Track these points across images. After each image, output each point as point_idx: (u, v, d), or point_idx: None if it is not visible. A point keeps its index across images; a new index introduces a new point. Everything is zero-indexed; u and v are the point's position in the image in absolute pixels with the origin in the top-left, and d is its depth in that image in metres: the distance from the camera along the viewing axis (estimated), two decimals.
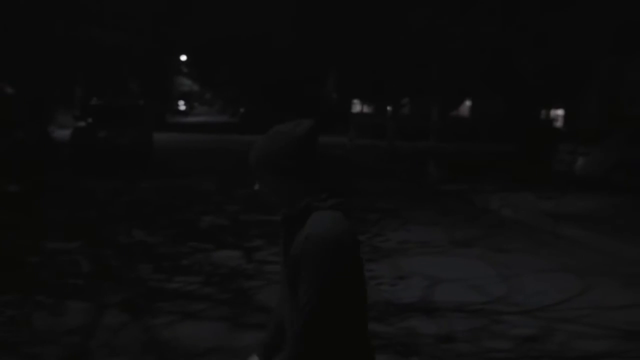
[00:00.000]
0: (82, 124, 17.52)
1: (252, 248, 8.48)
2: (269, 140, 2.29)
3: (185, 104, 70.27)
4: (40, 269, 7.31)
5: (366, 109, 38.17)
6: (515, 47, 20.89)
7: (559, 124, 28.90)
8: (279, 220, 2.34)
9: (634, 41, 20.24)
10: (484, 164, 19.58)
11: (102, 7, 15.96)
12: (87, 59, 18.89)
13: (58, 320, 5.68)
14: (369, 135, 29.01)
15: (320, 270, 2.12)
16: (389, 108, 27.04)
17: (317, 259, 2.12)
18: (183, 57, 51.08)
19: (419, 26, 19.81)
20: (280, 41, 32.94)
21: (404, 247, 8.86)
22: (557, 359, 5.08)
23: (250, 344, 5.14)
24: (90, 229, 9.44)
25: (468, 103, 35.58)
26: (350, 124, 27.71)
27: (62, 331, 5.43)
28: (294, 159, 2.25)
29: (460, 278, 7.32)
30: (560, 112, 28.89)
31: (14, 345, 5.13)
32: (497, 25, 19.06)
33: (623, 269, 8.07)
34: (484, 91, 30.04)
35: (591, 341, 5.47)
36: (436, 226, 10.57)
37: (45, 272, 7.17)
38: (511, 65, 22.51)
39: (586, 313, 6.19)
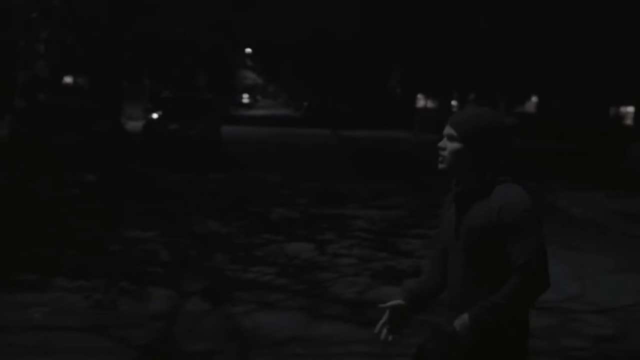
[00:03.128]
0: (153, 116, 18.00)
1: (324, 241, 8.62)
2: (481, 115, 2.55)
3: (249, 97, 71.05)
4: (122, 256, 7.60)
5: (430, 104, 37.99)
6: (588, 43, 20.49)
7: (629, 121, 28.22)
8: (453, 194, 2.61)
9: None
10: (551, 161, 19.31)
11: (175, 3, 16.38)
12: (157, 53, 19.37)
13: (142, 306, 5.94)
14: (433, 130, 28.82)
15: (535, 232, 2.39)
16: (453, 103, 26.91)
17: (529, 223, 2.39)
18: (248, 50, 51.63)
19: (487, 21, 19.64)
20: (343, 35, 33.00)
21: None
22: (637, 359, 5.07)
23: (328, 334, 5.30)
24: (165, 219, 9.74)
25: (534, 99, 35.03)
26: (414, 119, 27.63)
27: (146, 316, 5.68)
28: (495, 141, 2.50)
29: None
30: (630, 109, 28.20)
31: (103, 327, 5.39)
32: (569, 21, 18.73)
33: None
34: (551, 87, 29.52)
35: None
36: None
37: (127, 259, 7.46)
38: (583, 62, 22.07)
39: None
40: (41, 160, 12.12)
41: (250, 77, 73.03)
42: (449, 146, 2.55)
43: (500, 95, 20.09)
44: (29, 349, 4.91)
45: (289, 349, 5.07)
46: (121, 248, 7.95)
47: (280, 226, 9.59)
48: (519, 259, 2.36)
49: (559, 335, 5.47)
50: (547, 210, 12.02)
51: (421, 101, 37.78)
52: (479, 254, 2.48)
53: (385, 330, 2.68)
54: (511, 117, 3.07)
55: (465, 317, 2.41)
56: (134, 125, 20.73)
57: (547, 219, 9.23)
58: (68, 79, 32.94)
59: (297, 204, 11.62)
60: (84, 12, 11.37)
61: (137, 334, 5.27)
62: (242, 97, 67.92)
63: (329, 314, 5.82)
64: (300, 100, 56.64)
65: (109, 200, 11.00)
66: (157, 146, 16.99)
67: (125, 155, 15.78)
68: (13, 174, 10.54)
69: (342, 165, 18.90)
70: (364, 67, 36.36)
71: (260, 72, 65.51)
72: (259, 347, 5.10)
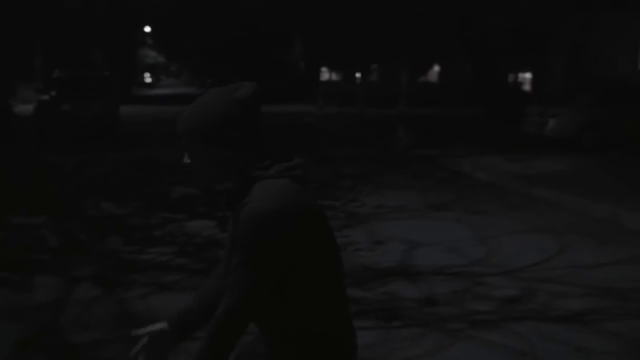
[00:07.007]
0: (45, 97, 17.04)
1: (226, 217, 8.27)
2: (203, 107, 2.00)
3: (151, 76, 69.33)
4: (5, 244, 7.05)
5: (335, 77, 37.91)
6: (479, 10, 20.85)
7: (526, 87, 29.00)
8: (223, 201, 2.04)
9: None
10: (453, 128, 19.55)
11: None
12: (46, 25, 18.26)
13: (24, 297, 5.47)
14: (338, 103, 28.79)
15: (249, 252, 1.83)
16: (357, 75, 26.83)
17: (249, 237, 1.83)
18: (147, 29, 50.06)
19: None
20: (246, 3, 32.35)
21: (379, 212, 8.75)
22: (541, 319, 5.01)
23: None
24: (56, 202, 9.16)
25: (437, 68, 35.51)
26: (319, 92, 27.44)
27: (28, 307, 5.22)
28: (236, 127, 1.95)
29: (438, 241, 7.23)
30: (528, 75, 29.01)
31: None
32: None
33: (596, 227, 8.06)
34: (451, 56, 29.95)
35: (572, 300, 5.42)
36: (410, 190, 10.47)
37: (10, 247, 6.93)
38: (476, 29, 22.45)
39: (565, 272, 6.14)
40: None
41: (151, 55, 71.07)
42: (188, 155, 2.04)
43: (402, 64, 20.03)
44: None
45: None
46: (5, 236, 7.38)
47: (180, 204, 9.18)
48: (230, 276, 1.89)
49: (465, 300, 5.37)
50: (453, 176, 12.09)
51: (325, 74, 37.65)
52: None
53: None
54: (246, 85, 2.69)
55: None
56: (28, 108, 19.63)
57: (453, 184, 9.31)
58: None
59: None
60: None
61: (17, 328, 4.82)
62: (143, 77, 66.17)
63: None
64: (204, 78, 55.53)
65: None
66: (49, 128, 16.09)
67: (14, 140, 14.86)
68: None
69: None
70: (267, 39, 35.92)
71: (162, 51, 63.79)
72: None
